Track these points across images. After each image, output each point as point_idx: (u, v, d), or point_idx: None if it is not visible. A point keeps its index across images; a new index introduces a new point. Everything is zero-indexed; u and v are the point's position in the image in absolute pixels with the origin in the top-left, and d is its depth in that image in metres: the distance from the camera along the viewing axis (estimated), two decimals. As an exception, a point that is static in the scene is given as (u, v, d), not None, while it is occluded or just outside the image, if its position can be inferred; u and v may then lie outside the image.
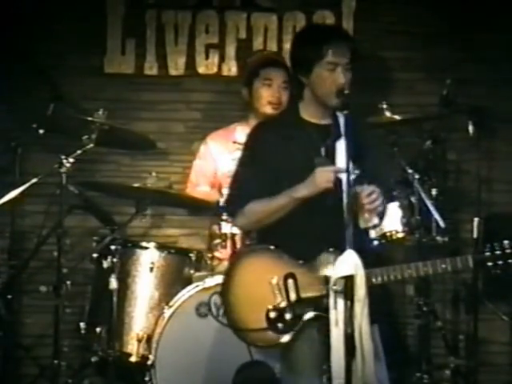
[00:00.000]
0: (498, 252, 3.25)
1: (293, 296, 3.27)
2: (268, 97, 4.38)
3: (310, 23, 4.81)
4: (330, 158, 3.31)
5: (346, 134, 3.31)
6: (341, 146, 3.29)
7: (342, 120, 3.34)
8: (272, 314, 3.27)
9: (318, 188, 3.28)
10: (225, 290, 3.35)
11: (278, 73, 4.40)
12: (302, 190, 3.30)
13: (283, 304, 3.27)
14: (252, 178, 3.43)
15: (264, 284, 3.28)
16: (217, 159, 4.57)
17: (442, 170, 4.88)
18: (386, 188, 3.50)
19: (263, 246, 3.50)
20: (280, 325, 3.27)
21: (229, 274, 3.37)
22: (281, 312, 3.27)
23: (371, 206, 3.24)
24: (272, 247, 3.37)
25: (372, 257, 3.37)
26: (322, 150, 3.37)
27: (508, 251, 3.25)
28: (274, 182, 3.39)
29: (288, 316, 3.27)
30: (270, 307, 3.27)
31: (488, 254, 3.26)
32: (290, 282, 3.27)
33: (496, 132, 4.91)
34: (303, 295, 3.27)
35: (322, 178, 3.28)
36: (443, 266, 3.26)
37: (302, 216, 3.34)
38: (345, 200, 3.24)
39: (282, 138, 3.42)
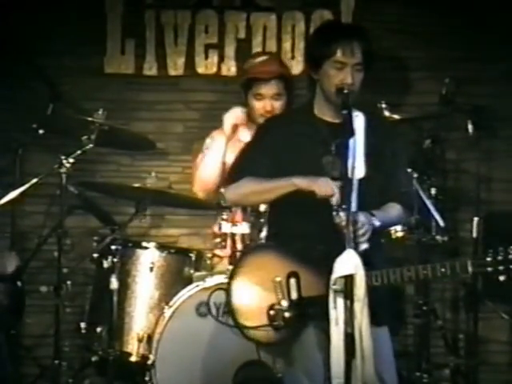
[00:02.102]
0: (499, 257, 3.19)
1: (294, 295, 3.27)
2: (260, 109, 4.40)
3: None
4: (340, 157, 3.27)
5: (361, 133, 3.29)
6: (353, 145, 3.26)
7: (358, 120, 3.31)
8: (272, 312, 3.28)
9: (311, 188, 3.27)
10: (229, 287, 3.36)
11: (269, 87, 4.40)
12: (302, 181, 3.30)
13: (284, 302, 3.27)
14: (253, 162, 3.43)
15: (267, 282, 3.29)
16: (225, 154, 4.58)
17: (442, 169, 4.88)
18: (406, 190, 3.48)
19: (268, 243, 3.53)
20: (280, 323, 3.27)
21: (233, 271, 3.38)
22: (281, 310, 3.27)
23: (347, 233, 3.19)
24: (277, 245, 3.37)
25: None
26: (332, 149, 3.35)
27: (511, 257, 3.18)
28: (277, 173, 3.38)
29: (288, 314, 3.27)
30: (271, 305, 3.28)
31: (489, 259, 3.21)
32: (293, 280, 3.28)
33: (495, 131, 4.90)
34: (305, 294, 3.27)
35: (325, 185, 3.25)
36: (442, 269, 3.23)
37: (309, 217, 3.33)
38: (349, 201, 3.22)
39: (292, 133, 3.42)
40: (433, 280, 4.63)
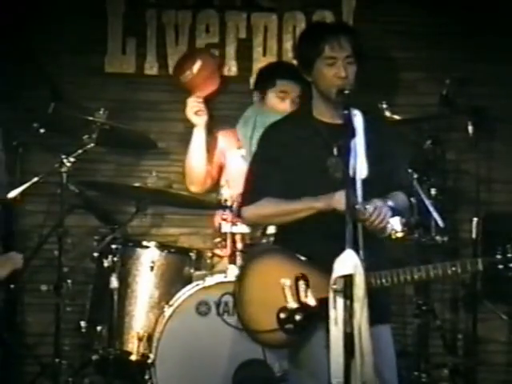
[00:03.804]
0: (509, 255, 3.21)
1: (303, 297, 3.28)
2: (281, 109, 4.37)
3: (311, 22, 4.82)
4: (343, 158, 3.28)
5: (361, 133, 3.30)
6: (354, 146, 3.27)
7: (357, 119, 3.32)
8: (282, 315, 3.28)
9: (331, 206, 3.28)
10: (237, 290, 3.36)
11: (295, 86, 4.41)
12: (320, 202, 3.31)
13: (294, 305, 3.28)
14: (266, 179, 3.43)
15: (275, 285, 3.29)
16: (225, 153, 4.60)
17: (442, 169, 4.87)
18: (406, 186, 3.50)
19: (275, 246, 3.53)
20: (290, 326, 3.28)
21: (241, 275, 3.39)
22: (291, 313, 3.28)
23: (374, 225, 3.25)
24: (284, 248, 3.38)
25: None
26: (335, 150, 3.36)
27: None
28: (286, 181, 3.39)
29: (298, 317, 3.27)
30: (281, 308, 3.28)
31: (499, 256, 3.23)
32: (301, 283, 3.28)
33: (495, 132, 4.90)
34: (314, 297, 3.27)
35: (341, 200, 3.25)
36: (453, 268, 3.25)
37: (318, 219, 3.33)
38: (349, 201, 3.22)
39: (294, 137, 3.42)
40: (433, 280, 4.65)
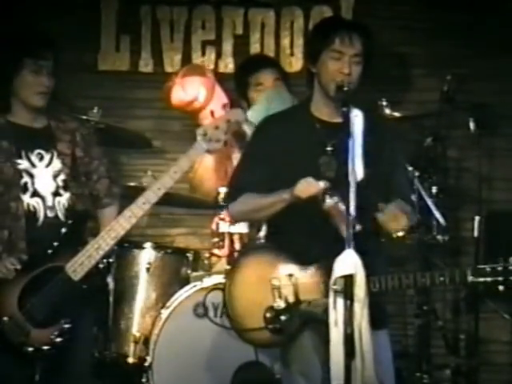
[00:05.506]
0: (499, 268, 3.16)
1: (291, 297, 3.25)
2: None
3: (309, 18, 4.81)
4: (338, 158, 3.24)
5: (359, 134, 3.24)
6: (351, 147, 3.20)
7: (357, 120, 3.26)
8: (268, 314, 3.26)
9: (296, 195, 3.21)
10: (226, 288, 3.34)
11: (267, 73, 4.38)
12: (286, 194, 3.26)
13: (281, 305, 3.25)
14: (252, 175, 3.39)
15: (265, 283, 3.27)
16: (230, 154, 4.55)
17: (443, 167, 4.86)
18: (405, 196, 3.42)
19: (266, 245, 3.52)
20: (276, 325, 3.25)
21: (231, 273, 3.37)
22: (277, 313, 3.25)
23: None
24: (274, 247, 3.35)
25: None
26: (329, 149, 3.31)
27: (510, 268, 3.14)
28: (275, 177, 3.35)
29: (283, 317, 3.25)
30: (268, 307, 3.26)
31: (488, 269, 3.17)
32: (290, 283, 3.25)
33: (497, 129, 4.90)
34: (302, 297, 3.25)
35: (305, 187, 3.20)
36: (441, 278, 3.21)
37: (308, 215, 3.28)
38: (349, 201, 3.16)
39: (288, 133, 3.38)
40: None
